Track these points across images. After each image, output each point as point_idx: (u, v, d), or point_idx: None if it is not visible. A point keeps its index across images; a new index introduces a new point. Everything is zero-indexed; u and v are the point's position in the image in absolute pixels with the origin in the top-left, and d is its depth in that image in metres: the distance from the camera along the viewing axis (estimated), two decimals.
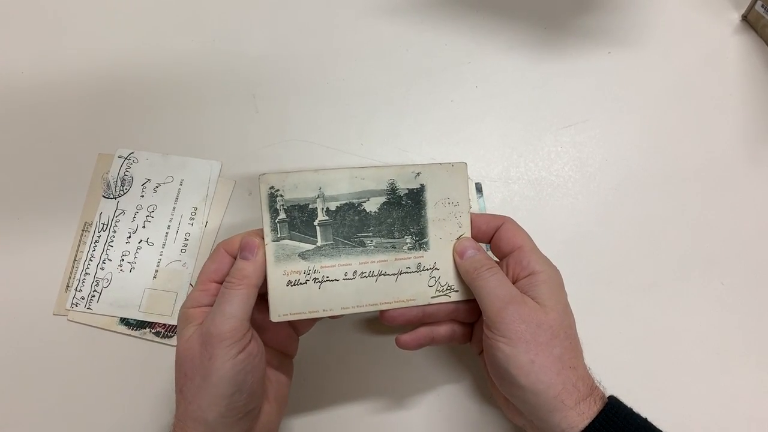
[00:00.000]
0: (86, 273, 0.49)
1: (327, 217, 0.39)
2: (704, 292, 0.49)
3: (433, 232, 0.41)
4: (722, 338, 0.48)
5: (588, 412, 0.35)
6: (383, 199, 0.40)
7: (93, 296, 0.48)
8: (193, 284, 0.39)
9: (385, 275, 0.40)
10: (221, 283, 0.37)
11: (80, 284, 0.49)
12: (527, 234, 0.41)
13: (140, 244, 0.50)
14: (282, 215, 0.38)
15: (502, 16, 0.59)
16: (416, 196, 0.40)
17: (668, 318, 0.49)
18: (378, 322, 0.43)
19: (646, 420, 0.36)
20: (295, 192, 0.38)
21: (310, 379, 0.46)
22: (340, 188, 0.39)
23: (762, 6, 0.56)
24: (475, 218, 0.41)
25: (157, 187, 0.52)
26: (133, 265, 0.49)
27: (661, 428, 0.36)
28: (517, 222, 0.41)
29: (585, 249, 0.51)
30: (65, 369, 0.47)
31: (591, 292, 0.49)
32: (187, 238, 0.50)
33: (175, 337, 0.47)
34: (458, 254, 0.40)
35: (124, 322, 0.48)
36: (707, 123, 0.55)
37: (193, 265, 0.49)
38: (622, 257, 0.51)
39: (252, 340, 0.36)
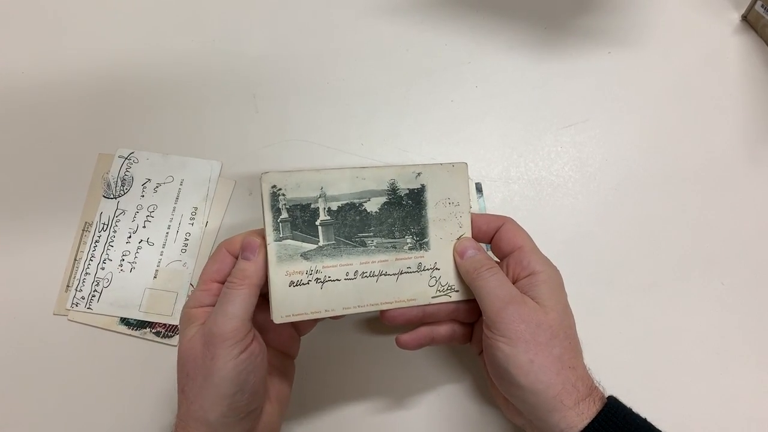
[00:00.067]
0: (86, 273, 0.49)
1: (329, 217, 0.39)
2: (704, 292, 0.50)
3: (433, 232, 0.41)
4: (722, 338, 0.48)
5: (587, 412, 0.35)
6: (384, 199, 0.40)
7: (93, 296, 0.48)
8: (194, 284, 0.39)
9: (385, 275, 0.40)
10: (223, 283, 0.37)
11: (80, 284, 0.49)
12: (528, 234, 0.41)
13: (140, 244, 0.50)
14: (284, 215, 0.38)
15: (502, 16, 0.59)
16: (417, 196, 0.40)
17: (668, 318, 0.49)
18: (378, 322, 0.43)
19: (645, 420, 0.36)
20: (297, 191, 0.38)
21: (310, 379, 0.46)
22: (342, 188, 0.39)
23: (762, 6, 0.57)
24: (475, 218, 0.42)
25: (157, 187, 0.52)
26: (134, 265, 0.49)
27: (660, 428, 0.36)
28: (518, 222, 0.41)
29: (585, 249, 0.51)
30: (65, 369, 0.47)
31: (591, 292, 0.49)
32: (187, 238, 0.50)
33: (176, 337, 0.47)
34: (459, 254, 0.40)
35: (125, 322, 0.48)
36: (707, 123, 0.55)
37: (193, 265, 0.49)
38: (622, 257, 0.51)
39: (254, 340, 0.36)
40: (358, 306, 0.39)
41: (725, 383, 0.47)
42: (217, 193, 0.52)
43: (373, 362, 0.47)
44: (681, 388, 0.47)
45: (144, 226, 0.50)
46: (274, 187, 0.38)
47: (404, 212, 0.40)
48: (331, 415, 0.46)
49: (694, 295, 0.49)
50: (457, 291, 0.41)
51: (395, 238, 0.40)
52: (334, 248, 0.39)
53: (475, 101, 0.56)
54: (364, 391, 0.47)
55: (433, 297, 0.41)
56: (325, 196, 0.39)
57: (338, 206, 0.39)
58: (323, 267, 0.39)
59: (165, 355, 0.47)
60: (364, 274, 0.39)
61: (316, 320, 0.41)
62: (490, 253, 0.42)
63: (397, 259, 0.40)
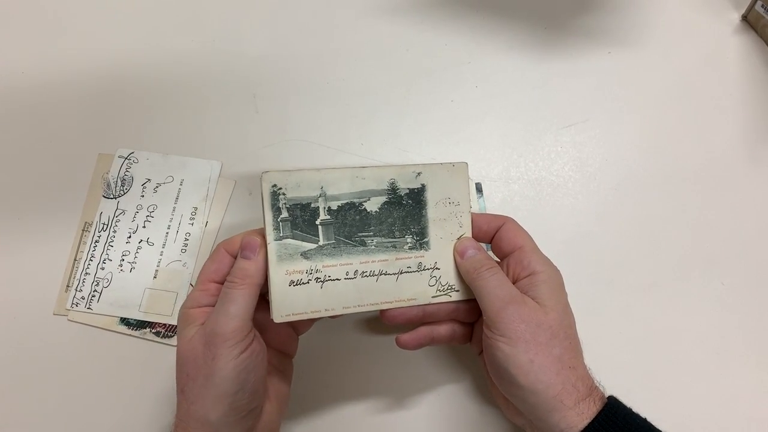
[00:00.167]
0: (86, 273, 0.49)
1: (329, 217, 0.39)
2: (704, 292, 0.50)
3: (433, 232, 0.41)
4: (722, 338, 0.48)
5: (587, 412, 0.35)
6: (384, 198, 0.40)
7: (93, 296, 0.48)
8: (194, 284, 0.39)
9: (385, 275, 0.40)
10: (221, 284, 0.37)
11: (80, 284, 0.48)
12: (528, 234, 0.41)
13: (140, 244, 0.50)
14: (285, 214, 0.38)
15: (502, 16, 0.59)
16: (417, 196, 0.40)
17: (668, 318, 0.49)
18: (378, 322, 0.43)
19: (645, 420, 0.36)
20: (297, 191, 0.38)
21: (310, 378, 0.46)
22: (342, 187, 0.39)
23: (762, 6, 0.57)
24: (475, 218, 0.42)
25: (157, 187, 0.52)
26: (134, 265, 0.49)
27: (660, 428, 0.36)
28: (518, 222, 0.41)
29: (585, 249, 0.51)
30: (65, 369, 0.47)
31: (591, 292, 0.49)
32: (187, 238, 0.50)
33: (176, 337, 0.47)
34: (459, 254, 0.40)
35: (125, 322, 0.48)
36: (707, 123, 0.55)
37: (193, 265, 0.49)
38: (622, 257, 0.51)
39: (255, 340, 0.36)
40: (358, 305, 0.39)
41: (725, 383, 0.47)
42: (217, 193, 0.52)
43: (373, 362, 0.47)
44: (681, 388, 0.47)
45: (144, 226, 0.50)
46: (274, 186, 0.38)
47: (404, 212, 0.40)
48: (330, 414, 0.46)
49: (694, 295, 0.49)
50: (457, 291, 0.41)
51: (395, 237, 0.40)
52: (334, 248, 0.39)
53: (475, 101, 0.56)
54: (364, 391, 0.47)
55: (433, 297, 0.41)
56: (325, 195, 0.39)
57: (338, 206, 0.39)
58: (323, 266, 0.39)
59: (165, 355, 0.47)
60: (364, 274, 0.39)
61: (314, 320, 0.41)
62: (490, 252, 0.42)
63: (397, 259, 0.40)
